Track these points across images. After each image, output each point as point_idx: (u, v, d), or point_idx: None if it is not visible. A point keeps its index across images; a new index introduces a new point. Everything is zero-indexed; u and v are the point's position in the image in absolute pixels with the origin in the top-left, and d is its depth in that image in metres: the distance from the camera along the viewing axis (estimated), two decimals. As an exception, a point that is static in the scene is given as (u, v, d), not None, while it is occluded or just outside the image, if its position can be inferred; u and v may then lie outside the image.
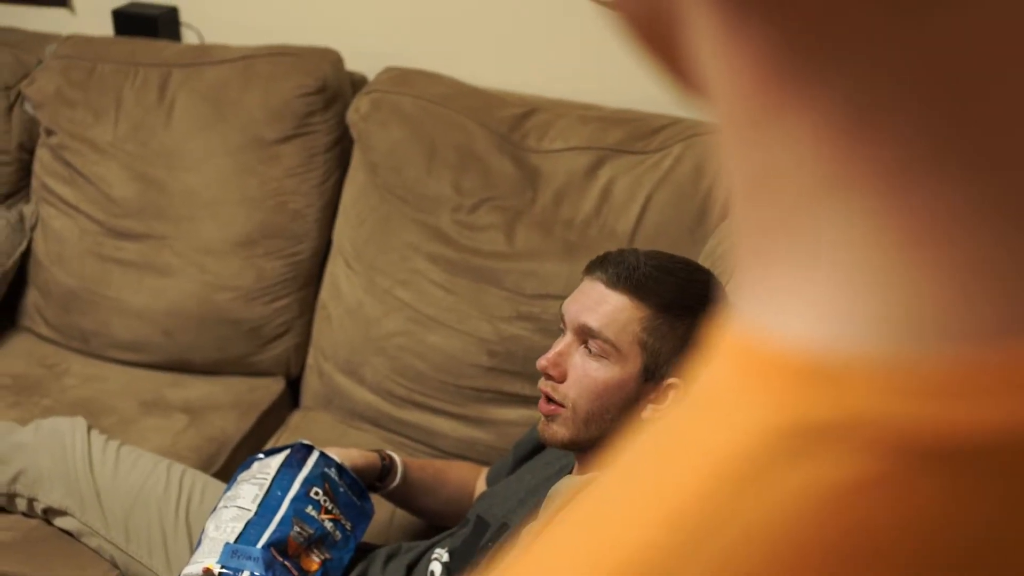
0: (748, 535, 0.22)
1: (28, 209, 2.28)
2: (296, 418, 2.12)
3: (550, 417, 1.34)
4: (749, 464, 0.23)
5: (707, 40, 0.26)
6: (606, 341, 1.28)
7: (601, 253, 1.37)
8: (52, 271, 2.23)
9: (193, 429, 1.99)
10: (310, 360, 2.16)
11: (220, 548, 1.39)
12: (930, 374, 0.22)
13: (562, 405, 1.32)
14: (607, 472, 0.27)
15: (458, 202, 1.95)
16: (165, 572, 1.65)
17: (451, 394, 1.95)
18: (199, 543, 1.44)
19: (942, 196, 0.23)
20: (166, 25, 2.34)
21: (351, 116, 2.07)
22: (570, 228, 1.88)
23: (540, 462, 1.52)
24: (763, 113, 0.24)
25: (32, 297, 2.28)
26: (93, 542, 1.69)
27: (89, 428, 1.76)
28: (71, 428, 1.75)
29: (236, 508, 1.45)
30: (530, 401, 1.84)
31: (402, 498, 1.68)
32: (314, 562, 1.44)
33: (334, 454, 1.57)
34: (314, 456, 1.53)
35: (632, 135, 1.89)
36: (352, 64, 2.19)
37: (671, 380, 1.29)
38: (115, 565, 1.68)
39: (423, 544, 1.55)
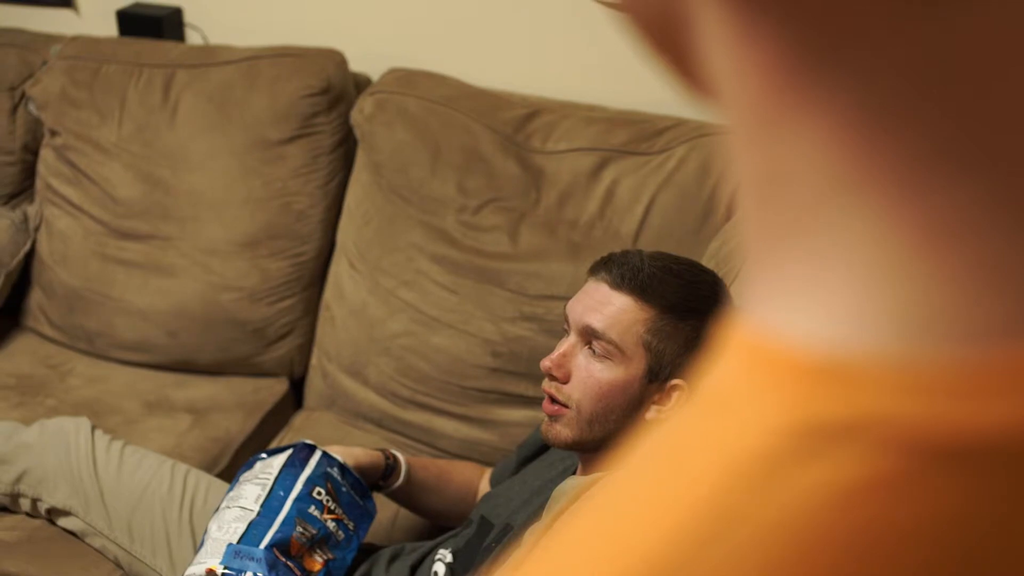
0: (761, 534, 0.22)
1: (32, 209, 2.29)
2: (300, 419, 2.12)
3: (554, 417, 1.34)
4: (761, 463, 0.23)
5: (718, 42, 0.26)
6: (610, 342, 1.28)
7: (605, 254, 1.37)
8: (56, 271, 2.23)
9: (197, 429, 1.99)
10: (314, 361, 2.16)
11: (223, 549, 1.39)
12: (942, 373, 0.22)
13: (566, 406, 1.33)
14: (618, 472, 0.27)
15: (462, 203, 1.95)
16: (169, 572, 1.65)
17: (455, 395, 1.95)
18: (202, 544, 1.44)
19: (954, 197, 0.23)
20: (170, 26, 2.35)
21: (355, 117, 2.07)
22: (574, 229, 1.88)
23: (544, 463, 1.52)
24: (775, 114, 0.25)
25: (36, 297, 2.28)
26: (97, 542, 1.69)
27: (93, 428, 1.76)
28: (75, 428, 1.75)
29: (239, 508, 1.45)
30: (534, 402, 1.84)
31: (406, 497, 1.68)
32: (317, 562, 1.44)
33: (338, 453, 1.57)
34: (316, 456, 1.53)
35: (636, 136, 1.89)
36: (356, 65, 2.19)
37: (675, 381, 1.29)
38: (119, 565, 1.69)
39: (427, 545, 1.55)
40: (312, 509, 1.46)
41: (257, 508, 1.44)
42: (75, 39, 2.29)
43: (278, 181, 2.09)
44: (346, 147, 2.13)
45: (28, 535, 1.73)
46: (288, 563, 1.40)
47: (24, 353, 2.23)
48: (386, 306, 2.00)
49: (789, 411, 0.23)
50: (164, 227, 2.14)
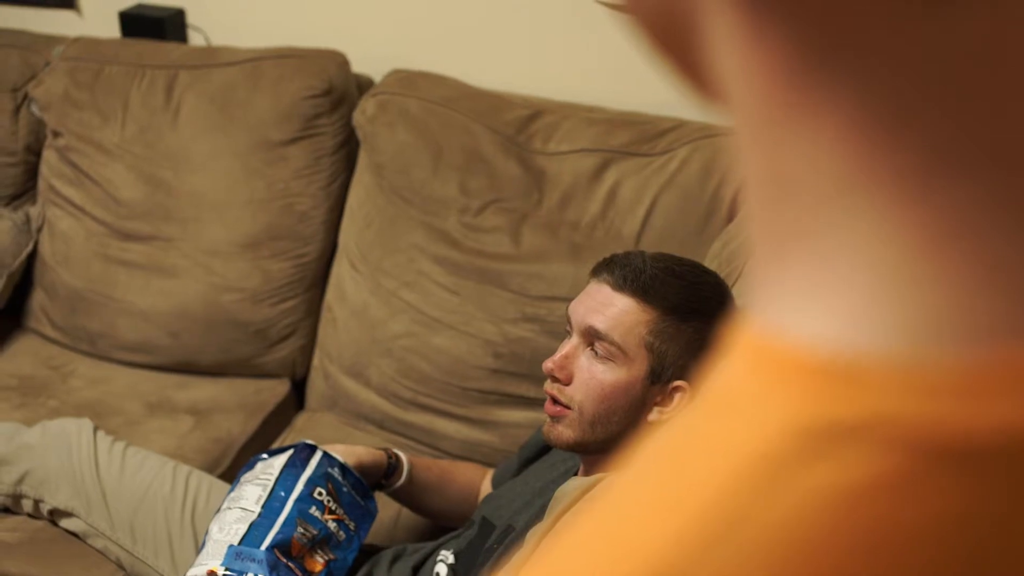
0: (767, 535, 0.22)
1: (34, 210, 2.29)
2: (301, 420, 2.12)
3: (556, 418, 1.34)
4: (768, 463, 0.23)
5: (725, 43, 0.26)
6: (612, 343, 1.29)
7: (607, 255, 1.37)
8: (58, 272, 2.23)
9: (199, 431, 1.99)
10: (315, 362, 2.16)
11: (224, 550, 1.39)
12: (948, 374, 0.22)
13: (568, 407, 1.33)
14: (621, 473, 0.28)
15: (464, 204, 1.95)
16: (171, 573, 1.65)
17: (456, 396, 1.95)
18: (203, 545, 1.44)
19: (960, 198, 0.23)
20: (173, 27, 2.35)
21: (357, 118, 2.07)
22: (576, 230, 1.88)
23: (545, 464, 1.52)
24: (782, 116, 0.25)
25: (38, 298, 2.29)
26: (99, 543, 1.70)
27: (95, 429, 1.76)
28: (77, 429, 1.75)
29: (239, 509, 1.45)
30: (535, 403, 1.84)
31: (407, 497, 1.68)
32: (318, 563, 1.44)
33: (340, 452, 1.57)
34: (317, 456, 1.53)
35: (638, 137, 1.89)
36: (359, 66, 2.19)
37: (677, 383, 1.29)
38: (121, 566, 1.69)
39: (428, 546, 1.55)
40: (313, 510, 1.46)
41: (258, 509, 1.44)
42: (77, 40, 2.30)
43: (280, 182, 2.09)
44: (348, 148, 2.13)
45: (30, 536, 1.73)
46: (289, 564, 1.40)
47: (26, 354, 2.23)
48: (388, 307, 2.00)
49: (794, 412, 0.23)
50: (166, 228, 2.14)
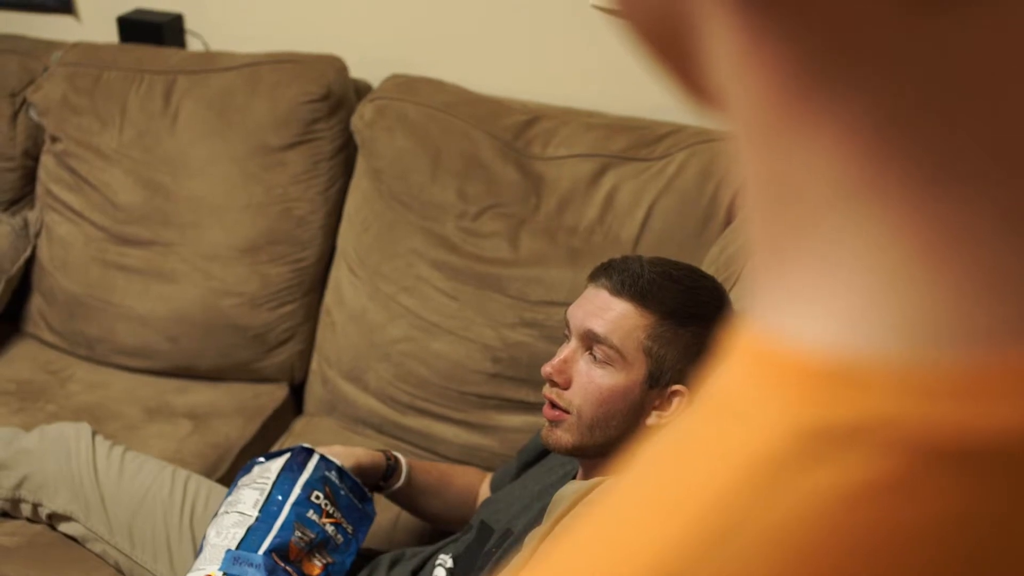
0: (768, 536, 0.23)
1: (33, 215, 2.29)
2: (300, 424, 2.12)
3: (554, 423, 1.34)
4: (768, 466, 0.23)
5: (724, 50, 0.26)
6: (612, 347, 1.29)
7: (605, 260, 1.37)
8: (56, 277, 2.23)
9: (197, 435, 1.99)
10: (314, 366, 2.16)
11: (222, 555, 1.39)
12: (947, 376, 0.22)
13: (567, 412, 1.33)
14: (622, 476, 0.28)
15: (462, 209, 1.95)
16: (169, 578, 1.65)
17: (455, 400, 1.95)
18: (200, 549, 1.44)
19: (959, 203, 0.23)
20: (171, 32, 2.35)
21: (356, 123, 2.08)
22: (574, 235, 1.88)
23: (544, 468, 1.52)
24: (782, 123, 0.25)
25: (36, 303, 2.29)
26: (97, 547, 1.70)
27: (94, 434, 1.76)
28: (76, 434, 1.75)
29: (237, 514, 1.45)
30: (534, 408, 1.84)
31: (406, 499, 1.68)
32: (316, 566, 1.44)
33: (339, 453, 1.57)
34: (314, 460, 1.53)
35: (636, 142, 1.89)
36: (357, 71, 2.19)
37: (676, 387, 1.30)
38: (119, 570, 1.69)
39: (427, 550, 1.55)
40: (311, 513, 1.46)
41: (255, 513, 1.44)
42: (76, 45, 2.30)
43: (278, 187, 2.10)
44: (346, 153, 2.13)
45: (28, 540, 1.73)
46: (287, 568, 1.39)
47: (24, 359, 2.23)
48: (386, 312, 2.00)
49: (794, 415, 0.23)
50: (165, 233, 2.14)
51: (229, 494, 1.51)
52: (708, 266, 1.59)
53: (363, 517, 1.54)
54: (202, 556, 1.41)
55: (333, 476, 1.52)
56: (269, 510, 1.44)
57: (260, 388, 2.15)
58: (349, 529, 1.50)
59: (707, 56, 0.27)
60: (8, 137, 2.30)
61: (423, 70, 2.10)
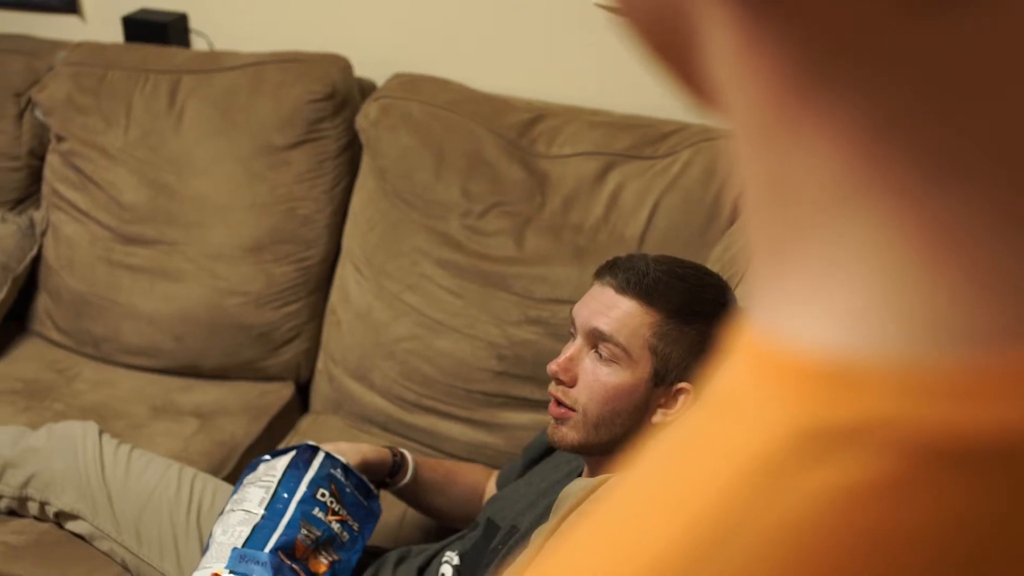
0: (768, 537, 0.23)
1: (38, 215, 2.29)
2: (306, 423, 2.13)
3: (560, 421, 1.34)
4: (768, 467, 0.23)
5: (722, 50, 0.26)
6: (617, 345, 1.29)
7: (610, 258, 1.37)
8: (63, 276, 2.24)
9: (203, 434, 1.99)
10: (320, 365, 2.17)
11: (228, 553, 1.39)
12: (946, 376, 0.22)
13: (572, 409, 1.33)
14: (626, 474, 0.28)
15: (467, 207, 1.95)
16: (176, 575, 1.65)
17: (460, 398, 1.95)
18: (207, 548, 1.44)
19: (958, 203, 0.23)
20: (176, 32, 2.35)
21: (360, 122, 2.08)
22: (579, 233, 1.88)
23: (550, 465, 1.52)
24: (781, 122, 0.25)
25: (43, 302, 2.29)
26: (104, 545, 1.70)
27: (100, 432, 1.77)
28: (83, 432, 1.75)
29: (243, 512, 1.45)
30: (539, 405, 1.85)
31: (412, 496, 1.69)
32: (322, 564, 1.44)
33: (345, 449, 1.57)
34: (320, 457, 1.53)
35: (641, 140, 1.89)
36: (361, 71, 2.19)
37: (681, 385, 1.30)
38: (126, 568, 1.69)
39: (433, 547, 1.55)
40: (316, 511, 1.46)
41: (261, 511, 1.44)
42: (81, 45, 2.30)
43: (283, 186, 2.10)
44: (351, 152, 2.13)
45: (36, 539, 1.74)
46: (293, 566, 1.40)
47: (31, 358, 2.23)
48: (391, 310, 2.01)
49: (794, 415, 0.23)
50: (170, 232, 2.15)
51: (235, 492, 1.52)
52: (713, 264, 1.59)
53: (369, 514, 1.54)
54: (208, 554, 1.41)
55: (338, 474, 1.52)
56: (275, 508, 1.45)
57: (266, 387, 2.15)
58: (355, 526, 1.50)
59: (707, 55, 0.27)
60: (14, 137, 2.30)
61: (427, 69, 2.11)
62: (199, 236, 2.13)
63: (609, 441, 1.32)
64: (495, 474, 1.72)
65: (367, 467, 1.59)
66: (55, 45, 2.35)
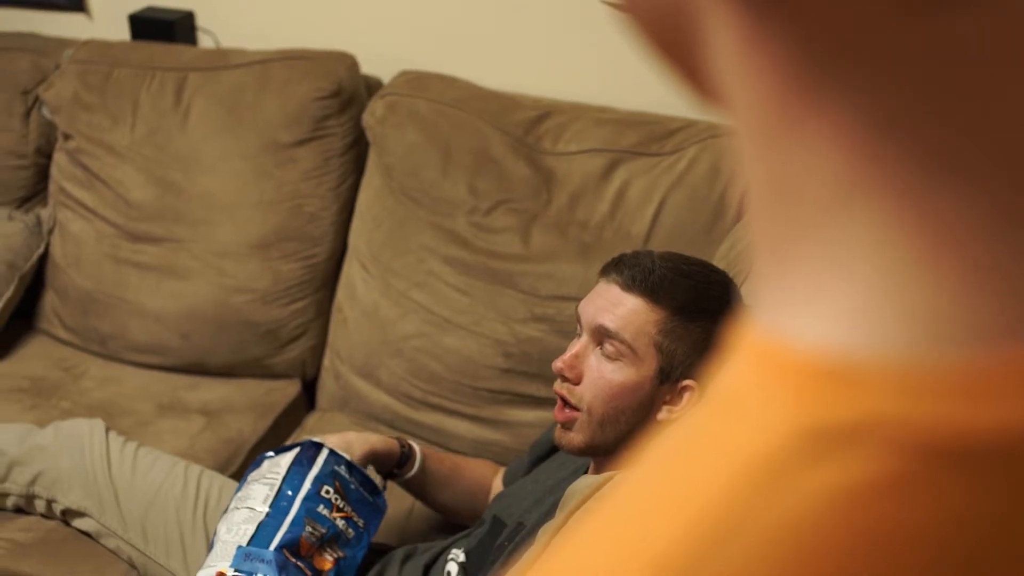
0: (770, 535, 0.23)
1: (45, 213, 2.30)
2: (312, 420, 2.13)
3: (566, 425, 1.34)
4: (770, 465, 0.23)
5: (725, 49, 0.26)
6: (623, 342, 1.29)
7: (616, 255, 1.37)
8: (69, 274, 2.24)
9: (210, 431, 2.00)
10: (326, 362, 2.17)
11: (233, 551, 1.39)
12: (948, 375, 0.22)
13: (577, 408, 1.33)
14: (630, 472, 0.28)
15: (473, 204, 1.95)
16: (183, 573, 1.65)
17: (467, 396, 1.96)
18: (211, 546, 1.44)
19: (959, 202, 0.23)
20: (182, 30, 2.36)
21: (367, 119, 2.08)
22: (585, 230, 1.88)
23: (556, 462, 1.53)
24: (783, 122, 0.25)
25: (50, 300, 2.30)
26: (111, 543, 1.70)
27: (107, 430, 1.77)
28: (89, 430, 1.76)
29: (247, 509, 1.45)
30: (545, 402, 1.85)
31: (419, 488, 1.69)
32: (327, 561, 1.44)
33: (353, 439, 1.58)
34: (324, 454, 1.53)
35: (647, 137, 1.89)
36: (367, 68, 2.20)
37: (687, 382, 1.30)
38: (133, 566, 1.69)
39: (440, 544, 1.55)
40: (321, 508, 1.46)
41: (266, 509, 1.44)
42: (87, 43, 2.30)
43: (290, 184, 2.10)
44: (357, 150, 2.13)
45: (43, 536, 1.74)
46: (298, 563, 1.40)
47: (38, 356, 2.24)
48: (398, 307, 2.01)
49: (796, 414, 0.23)
50: (177, 230, 2.15)
51: (239, 489, 1.52)
52: (719, 261, 1.59)
53: (374, 510, 1.54)
54: (213, 553, 1.41)
55: (343, 470, 1.52)
56: (279, 506, 1.45)
57: (272, 384, 2.16)
58: (360, 523, 1.50)
59: (710, 54, 0.27)
60: (21, 135, 2.31)
61: (433, 66, 2.11)
62: (206, 233, 2.13)
63: (615, 440, 1.32)
64: (502, 470, 1.72)
65: (375, 457, 1.59)
66: (62, 43, 2.36)
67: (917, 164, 0.23)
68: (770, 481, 0.23)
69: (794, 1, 0.23)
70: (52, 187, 2.30)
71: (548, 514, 1.31)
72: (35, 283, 2.30)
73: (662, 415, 1.31)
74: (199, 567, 1.43)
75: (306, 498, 1.46)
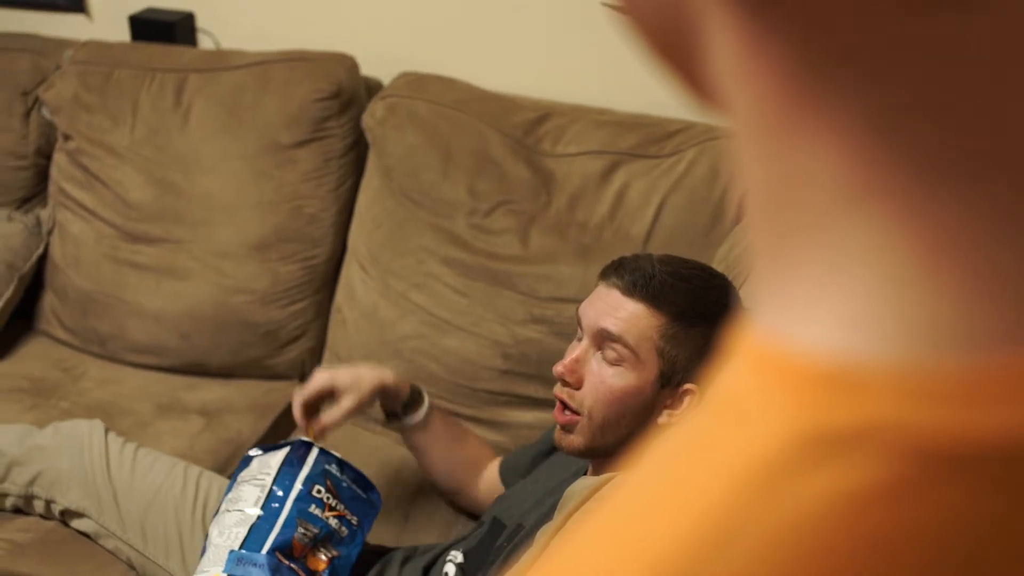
0: (769, 540, 0.23)
1: (45, 213, 2.30)
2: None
3: (566, 428, 1.34)
4: (769, 470, 0.23)
5: (724, 51, 0.26)
6: (626, 346, 1.29)
7: (616, 258, 1.37)
8: (69, 275, 2.24)
9: (209, 432, 2.00)
10: (325, 363, 2.17)
11: (225, 555, 1.38)
12: (947, 380, 0.22)
13: (578, 413, 1.33)
14: (630, 475, 0.28)
15: (473, 206, 1.95)
16: (181, 573, 1.65)
17: (466, 397, 1.95)
18: (204, 550, 1.43)
19: (959, 206, 0.23)
20: (182, 31, 2.35)
21: (366, 121, 2.08)
22: (585, 232, 1.88)
23: (556, 463, 1.53)
24: (783, 125, 0.25)
25: (49, 300, 2.29)
26: (110, 544, 1.70)
27: (106, 430, 1.77)
28: (89, 431, 1.76)
29: (239, 512, 1.44)
30: (544, 404, 1.85)
31: (418, 441, 1.71)
32: (321, 561, 1.43)
33: (365, 373, 1.61)
34: (314, 453, 1.52)
35: (646, 139, 1.89)
36: (367, 69, 2.20)
37: (687, 386, 1.30)
38: (132, 566, 1.69)
39: (439, 546, 1.55)
40: (313, 508, 1.45)
41: (257, 511, 1.43)
42: (87, 44, 2.30)
43: (289, 185, 2.10)
44: (357, 151, 2.13)
45: (42, 536, 1.74)
46: (291, 565, 1.39)
47: (37, 356, 2.23)
48: (397, 309, 2.01)
49: (796, 418, 0.23)
50: (176, 230, 2.15)
51: (229, 490, 1.50)
52: (718, 264, 1.59)
53: (368, 507, 1.53)
54: (205, 557, 1.40)
55: (334, 469, 1.52)
56: (271, 507, 1.43)
57: (271, 385, 2.16)
58: (354, 521, 1.50)
59: (709, 56, 0.27)
60: (21, 135, 2.31)
61: (433, 68, 2.11)
62: (205, 234, 2.13)
63: (615, 443, 1.32)
64: (498, 460, 1.73)
65: (383, 391, 1.62)
66: (62, 44, 2.35)
67: (917, 167, 0.23)
68: (770, 485, 0.23)
69: (793, 2, 0.23)
70: (52, 188, 2.30)
71: (547, 516, 1.30)
72: (34, 284, 2.30)
73: (662, 419, 1.31)
74: (197, 568, 1.43)
75: (297, 499, 1.45)
